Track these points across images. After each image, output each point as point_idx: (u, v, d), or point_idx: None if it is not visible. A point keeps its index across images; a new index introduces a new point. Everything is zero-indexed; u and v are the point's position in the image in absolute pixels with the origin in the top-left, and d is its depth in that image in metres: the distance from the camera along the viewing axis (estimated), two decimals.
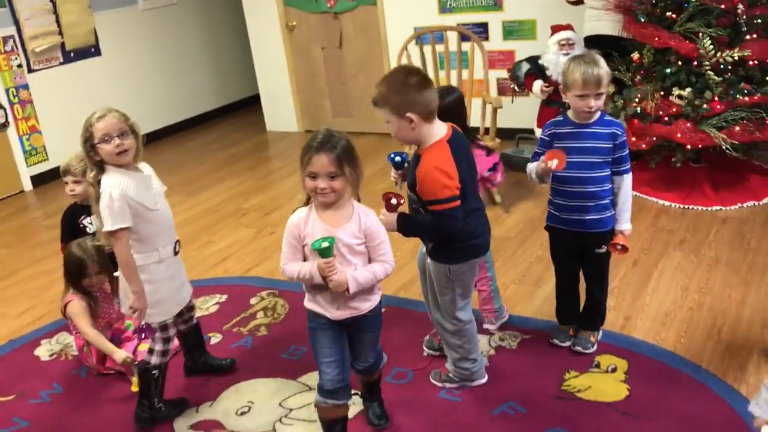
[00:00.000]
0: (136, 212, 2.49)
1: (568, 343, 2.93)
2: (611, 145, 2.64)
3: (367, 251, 2.27)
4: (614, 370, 2.78)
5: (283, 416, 2.74)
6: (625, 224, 2.73)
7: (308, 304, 2.36)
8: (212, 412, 2.81)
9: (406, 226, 2.41)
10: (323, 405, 2.36)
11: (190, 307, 2.90)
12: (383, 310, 2.45)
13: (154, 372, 2.72)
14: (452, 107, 2.80)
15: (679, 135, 4.05)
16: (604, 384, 2.70)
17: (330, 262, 2.16)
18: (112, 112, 2.49)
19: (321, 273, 2.18)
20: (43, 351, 3.43)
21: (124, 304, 2.66)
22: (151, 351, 2.72)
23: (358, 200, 2.30)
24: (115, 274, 2.66)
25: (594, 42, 4.67)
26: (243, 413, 2.78)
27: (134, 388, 2.87)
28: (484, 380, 2.79)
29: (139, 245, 2.55)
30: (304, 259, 2.27)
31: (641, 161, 4.50)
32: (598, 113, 2.66)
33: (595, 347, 2.89)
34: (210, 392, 2.93)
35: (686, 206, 4.23)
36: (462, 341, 2.68)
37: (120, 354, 2.93)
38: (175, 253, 2.67)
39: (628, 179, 2.70)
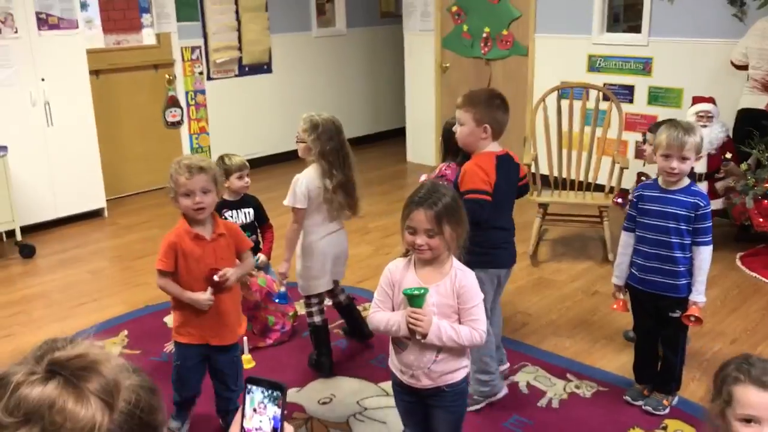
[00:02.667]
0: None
1: (639, 402, 2.98)
2: (692, 215, 2.69)
3: (458, 315, 2.12)
4: None
5: (358, 412, 3.00)
6: (698, 296, 2.75)
7: (390, 363, 2.28)
8: (298, 396, 3.13)
9: None
10: None
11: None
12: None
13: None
14: None
15: None
16: None
17: (418, 312, 2.03)
18: None
19: (407, 321, 2.04)
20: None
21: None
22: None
23: (459, 258, 2.18)
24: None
25: (747, 116, 4.66)
26: (324, 403, 3.08)
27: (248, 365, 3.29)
28: (504, 392, 2.98)
29: None
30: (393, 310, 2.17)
31: (767, 245, 4.38)
32: (686, 181, 2.73)
33: (667, 411, 2.92)
34: (299, 380, 3.26)
35: None
36: (479, 353, 2.85)
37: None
38: None
39: (704, 251, 2.72)
